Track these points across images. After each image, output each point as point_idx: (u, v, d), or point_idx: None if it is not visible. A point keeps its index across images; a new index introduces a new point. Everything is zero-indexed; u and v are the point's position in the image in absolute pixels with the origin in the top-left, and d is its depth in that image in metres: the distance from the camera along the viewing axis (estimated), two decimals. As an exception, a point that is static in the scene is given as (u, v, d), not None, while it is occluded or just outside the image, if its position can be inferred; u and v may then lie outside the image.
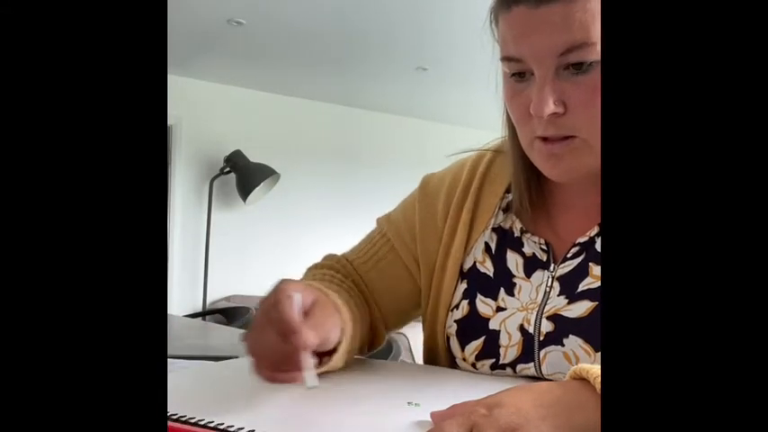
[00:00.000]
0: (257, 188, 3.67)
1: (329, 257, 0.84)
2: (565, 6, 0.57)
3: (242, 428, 0.49)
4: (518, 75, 0.63)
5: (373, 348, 0.81)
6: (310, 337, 0.51)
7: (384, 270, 0.80)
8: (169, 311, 1.91)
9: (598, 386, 0.45)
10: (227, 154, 3.70)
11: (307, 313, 0.56)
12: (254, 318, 0.56)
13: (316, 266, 0.83)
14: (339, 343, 0.62)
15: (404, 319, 0.84)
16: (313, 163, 4.21)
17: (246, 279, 3.96)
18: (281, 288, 0.55)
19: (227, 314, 3.33)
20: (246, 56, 3.35)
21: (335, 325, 0.61)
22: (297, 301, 0.54)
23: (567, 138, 0.62)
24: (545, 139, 0.62)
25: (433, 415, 0.50)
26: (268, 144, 3.98)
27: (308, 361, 0.51)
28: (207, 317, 3.47)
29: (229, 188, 3.81)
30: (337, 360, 0.62)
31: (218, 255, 3.81)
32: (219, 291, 3.85)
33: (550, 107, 0.59)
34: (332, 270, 0.80)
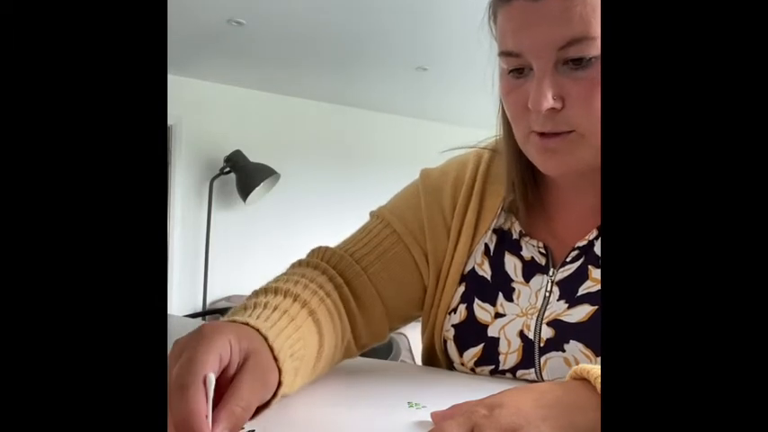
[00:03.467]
0: (257, 188, 3.67)
1: (317, 252, 0.76)
2: (565, 0, 0.57)
3: (242, 428, 0.49)
4: (516, 71, 0.62)
5: (375, 343, 0.76)
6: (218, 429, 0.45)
7: (390, 262, 0.75)
8: (169, 311, 1.90)
9: (599, 386, 0.45)
10: (227, 154, 3.70)
11: (237, 370, 0.50)
12: (170, 376, 0.46)
13: (299, 264, 0.76)
14: (279, 387, 0.54)
15: (407, 315, 0.79)
16: (313, 163, 4.21)
17: (246, 279, 3.95)
18: (197, 357, 0.46)
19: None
20: (246, 56, 3.35)
21: (266, 384, 0.52)
22: (210, 386, 0.45)
23: (564, 132, 0.61)
24: (541, 134, 0.62)
25: (433, 415, 0.50)
26: (268, 144, 3.98)
27: None
28: (207, 317, 3.46)
29: (229, 188, 3.81)
30: (276, 400, 0.55)
31: (218, 255, 3.80)
32: (219, 291, 3.85)
33: (549, 101, 0.59)
34: (317, 270, 0.72)
